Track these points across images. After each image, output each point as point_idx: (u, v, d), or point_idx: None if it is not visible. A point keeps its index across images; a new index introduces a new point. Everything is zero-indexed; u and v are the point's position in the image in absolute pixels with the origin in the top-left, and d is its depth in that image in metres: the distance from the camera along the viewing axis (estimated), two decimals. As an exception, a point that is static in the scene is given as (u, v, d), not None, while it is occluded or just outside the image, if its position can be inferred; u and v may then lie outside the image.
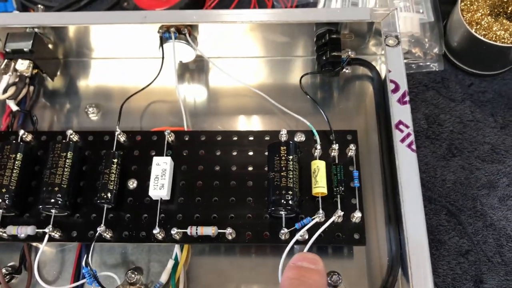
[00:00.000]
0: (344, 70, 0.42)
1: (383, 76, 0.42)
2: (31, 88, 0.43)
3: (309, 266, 0.26)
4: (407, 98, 0.35)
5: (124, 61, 0.47)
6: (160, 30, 0.41)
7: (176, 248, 0.36)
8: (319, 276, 0.26)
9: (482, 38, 0.47)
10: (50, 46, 0.44)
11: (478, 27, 0.48)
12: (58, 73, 0.46)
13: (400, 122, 0.35)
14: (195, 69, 0.46)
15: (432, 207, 0.46)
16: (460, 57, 0.52)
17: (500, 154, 0.48)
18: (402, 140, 0.34)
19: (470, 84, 0.52)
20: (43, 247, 0.34)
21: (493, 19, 0.49)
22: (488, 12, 0.49)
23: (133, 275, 0.36)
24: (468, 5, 0.49)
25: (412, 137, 0.34)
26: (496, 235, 0.45)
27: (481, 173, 0.47)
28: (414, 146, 0.34)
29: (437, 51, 0.52)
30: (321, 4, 0.54)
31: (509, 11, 0.50)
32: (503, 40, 0.48)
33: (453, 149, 0.49)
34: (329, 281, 0.36)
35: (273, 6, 0.56)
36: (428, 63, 0.53)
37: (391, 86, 0.36)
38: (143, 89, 0.41)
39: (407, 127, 0.34)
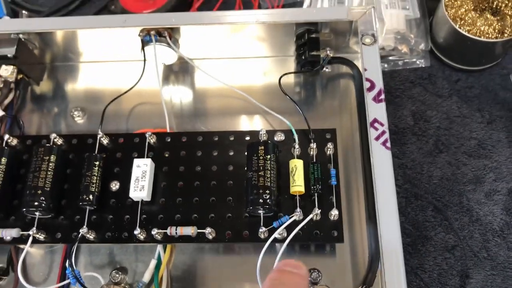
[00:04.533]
0: (324, 69, 0.42)
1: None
2: (17, 92, 0.44)
3: (291, 270, 0.27)
4: (382, 96, 0.36)
5: (109, 64, 0.47)
6: (141, 33, 0.41)
7: (159, 247, 0.37)
8: (301, 279, 0.27)
9: (466, 33, 0.47)
10: (35, 51, 0.44)
11: (462, 22, 0.48)
12: (44, 77, 0.46)
13: (375, 120, 0.35)
14: (179, 71, 0.46)
15: (419, 203, 0.46)
16: (446, 53, 0.52)
17: (487, 150, 0.48)
18: (377, 138, 0.34)
19: (457, 80, 0.52)
20: (27, 249, 0.35)
21: (478, 14, 0.49)
22: (472, 7, 0.49)
23: (117, 275, 0.37)
24: (453, 1, 0.49)
25: (386, 135, 0.34)
26: (482, 230, 0.45)
27: (468, 169, 0.47)
28: (388, 144, 0.34)
29: (423, 48, 0.52)
30: (306, 3, 0.54)
31: (494, 6, 0.49)
32: (487, 35, 0.47)
33: (440, 145, 0.49)
34: (308, 278, 0.36)
35: (259, 6, 0.56)
36: (414, 60, 0.53)
37: (366, 85, 0.36)
38: (126, 92, 0.42)
39: (381, 125, 0.35)
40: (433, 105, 0.51)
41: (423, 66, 0.53)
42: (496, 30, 0.47)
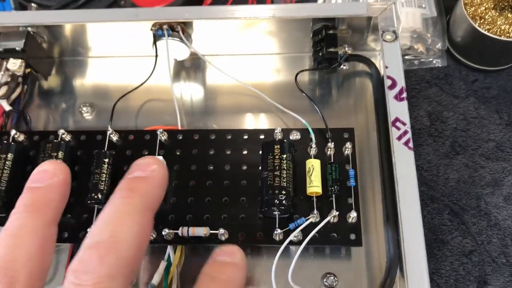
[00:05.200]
0: (341, 66, 0.41)
1: (382, 72, 0.41)
2: (25, 87, 0.43)
3: (225, 259, 0.25)
4: (404, 95, 0.34)
5: (119, 59, 0.46)
6: (153, 28, 0.40)
7: (169, 249, 0.36)
8: (235, 270, 0.24)
9: (486, 32, 0.46)
10: (43, 45, 0.43)
11: (482, 21, 0.47)
12: (53, 72, 0.45)
13: (397, 119, 0.34)
14: (190, 67, 0.45)
15: (435, 206, 0.45)
16: (463, 52, 0.50)
17: (505, 152, 0.47)
18: (399, 138, 0.33)
19: (474, 80, 0.51)
20: (33, 248, 0.34)
21: (498, 13, 0.48)
22: (492, 6, 0.48)
23: (125, 277, 0.36)
24: (472, -1, 0.48)
25: (409, 135, 0.33)
26: (501, 235, 0.44)
27: (486, 171, 0.46)
28: (411, 144, 0.33)
29: (440, 47, 0.51)
30: (320, 0, 0.53)
31: (514, 5, 0.48)
32: (507, 34, 0.46)
33: (457, 147, 0.47)
34: (325, 283, 0.35)
35: (272, 2, 0.55)
36: (430, 59, 0.51)
37: (388, 82, 0.35)
38: (136, 88, 0.41)
39: (404, 124, 0.33)
40: (450, 106, 0.49)
41: (440, 65, 0.51)
42: (517, 29, 0.46)
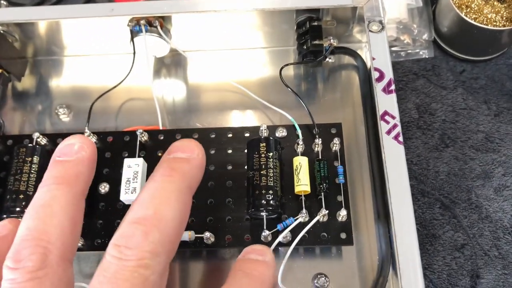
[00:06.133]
0: (327, 59, 0.39)
1: (368, 64, 0.40)
2: (-3, 89, 0.41)
3: (256, 258, 0.26)
4: (392, 87, 0.33)
5: (96, 58, 0.44)
6: (130, 23, 0.38)
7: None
8: (266, 267, 0.25)
9: (472, 21, 0.45)
10: (15, 44, 0.41)
11: (468, 10, 0.46)
12: (26, 73, 0.43)
13: (386, 113, 0.33)
14: (171, 64, 0.44)
15: (425, 200, 0.44)
16: (450, 42, 0.49)
17: (494, 143, 0.46)
18: (388, 132, 0.32)
19: (462, 71, 0.50)
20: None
21: (484, 1, 0.47)
22: (478, -6, 0.47)
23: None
24: (457, -12, 0.47)
25: (398, 129, 0.32)
26: (493, 228, 0.43)
27: (476, 163, 0.45)
28: (401, 138, 0.32)
29: (426, 38, 0.50)
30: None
31: (500, -7, 0.47)
32: (494, 23, 0.45)
33: (446, 139, 0.47)
34: (316, 284, 0.34)
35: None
36: (417, 50, 0.50)
37: (375, 75, 0.34)
38: (114, 87, 0.39)
39: (393, 118, 0.32)
40: (438, 98, 0.49)
41: (427, 57, 0.50)
42: (504, 18, 0.45)
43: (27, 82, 0.44)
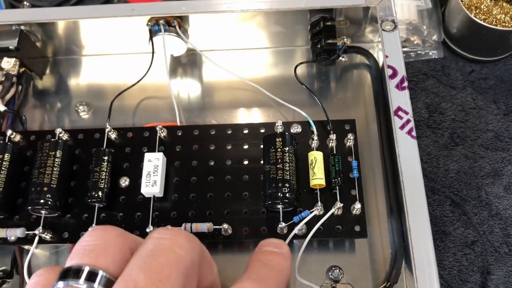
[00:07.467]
0: (340, 58, 0.40)
1: (380, 63, 0.40)
2: (19, 87, 0.42)
3: (273, 250, 0.26)
4: (405, 84, 0.34)
5: (115, 57, 0.45)
6: (149, 23, 0.40)
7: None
8: (283, 259, 0.25)
9: (482, 22, 0.46)
10: (37, 44, 0.42)
11: (477, 11, 0.47)
12: (47, 71, 0.45)
13: (399, 109, 0.34)
14: (187, 63, 0.45)
15: (436, 197, 0.45)
16: (460, 43, 0.50)
17: (504, 142, 0.47)
18: (402, 127, 0.33)
19: (471, 71, 0.51)
20: (33, 249, 0.33)
21: (493, 2, 0.48)
22: (487, -5, 0.48)
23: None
24: (467, -11, 0.48)
25: (412, 124, 0.33)
26: (503, 225, 0.43)
27: (485, 162, 0.46)
28: (414, 133, 0.33)
29: (436, 38, 0.51)
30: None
31: (509, -6, 0.48)
32: (503, 24, 0.46)
33: (456, 138, 0.47)
34: (330, 276, 0.34)
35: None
36: (427, 51, 0.51)
37: (388, 72, 0.35)
38: (133, 85, 0.40)
39: (406, 113, 0.33)
40: (448, 97, 0.49)
41: (436, 57, 0.51)
42: (513, 19, 0.46)
43: (47, 80, 0.45)
